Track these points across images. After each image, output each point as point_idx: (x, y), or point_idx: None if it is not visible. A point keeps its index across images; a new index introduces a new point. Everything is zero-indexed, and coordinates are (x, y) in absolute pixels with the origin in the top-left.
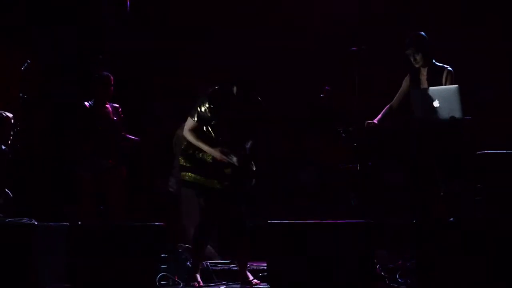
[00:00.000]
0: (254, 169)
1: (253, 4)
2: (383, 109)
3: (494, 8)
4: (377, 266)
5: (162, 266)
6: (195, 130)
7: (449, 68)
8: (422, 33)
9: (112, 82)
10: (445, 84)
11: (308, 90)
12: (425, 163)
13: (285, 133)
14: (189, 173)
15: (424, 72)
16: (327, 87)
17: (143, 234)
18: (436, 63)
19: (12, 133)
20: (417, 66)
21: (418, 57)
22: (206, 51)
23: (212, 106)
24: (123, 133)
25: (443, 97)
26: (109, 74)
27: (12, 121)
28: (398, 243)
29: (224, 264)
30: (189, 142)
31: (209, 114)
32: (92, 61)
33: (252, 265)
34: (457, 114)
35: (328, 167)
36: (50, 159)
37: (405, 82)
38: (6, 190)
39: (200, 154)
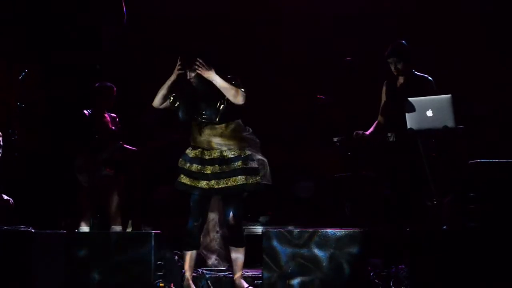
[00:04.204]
0: (255, 166)
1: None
2: (373, 122)
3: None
4: (371, 274)
5: (158, 274)
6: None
7: (430, 78)
8: (404, 41)
9: (115, 93)
10: (427, 94)
11: (304, 100)
12: (418, 171)
13: (280, 144)
14: (182, 175)
15: (402, 81)
16: (318, 96)
17: (140, 242)
18: (416, 72)
19: (1, 151)
20: (397, 75)
21: (399, 66)
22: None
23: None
24: (121, 143)
25: (436, 106)
26: (112, 85)
27: (1, 138)
28: (392, 251)
29: (220, 271)
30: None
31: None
32: (91, 71)
33: (247, 272)
34: (450, 123)
35: (323, 177)
36: (48, 167)
37: (383, 93)
38: (7, 197)
39: (191, 153)
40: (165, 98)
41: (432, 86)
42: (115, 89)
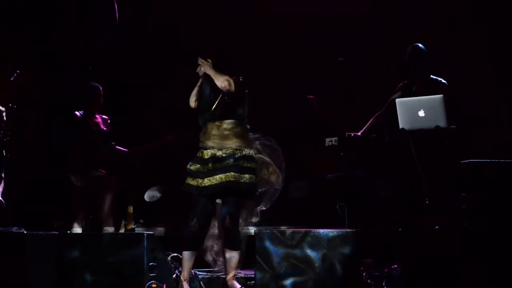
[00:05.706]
0: (250, 166)
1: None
2: (369, 120)
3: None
4: (364, 274)
5: (151, 275)
6: None
7: (444, 81)
8: (420, 45)
9: (102, 93)
10: None
11: (297, 101)
12: (410, 172)
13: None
14: (188, 177)
15: (419, 84)
16: (310, 96)
17: (132, 243)
18: (432, 76)
19: (3, 125)
20: (413, 77)
21: (416, 69)
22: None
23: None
24: (113, 144)
25: (428, 107)
26: (98, 85)
27: (4, 113)
28: (385, 251)
29: (212, 272)
30: None
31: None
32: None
33: (240, 273)
34: (442, 123)
35: (316, 177)
36: (40, 169)
37: (397, 92)
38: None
39: (200, 154)
40: (195, 97)
41: (444, 89)
42: (101, 89)
